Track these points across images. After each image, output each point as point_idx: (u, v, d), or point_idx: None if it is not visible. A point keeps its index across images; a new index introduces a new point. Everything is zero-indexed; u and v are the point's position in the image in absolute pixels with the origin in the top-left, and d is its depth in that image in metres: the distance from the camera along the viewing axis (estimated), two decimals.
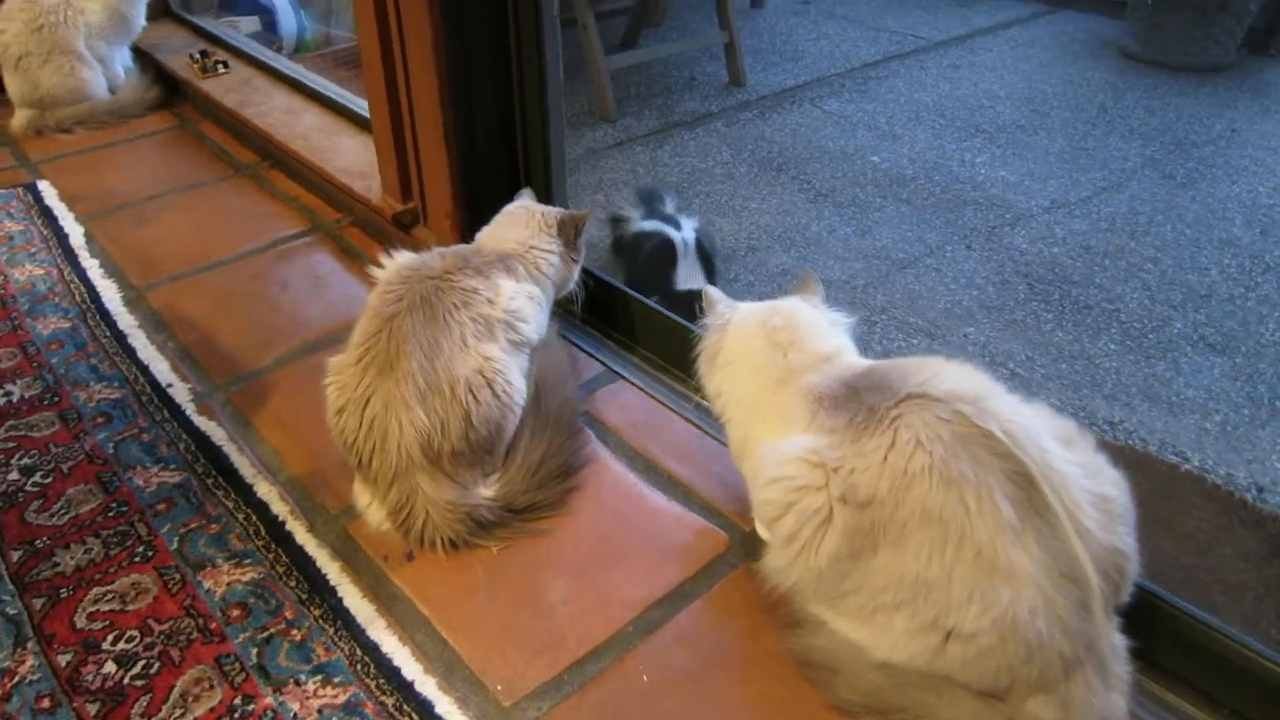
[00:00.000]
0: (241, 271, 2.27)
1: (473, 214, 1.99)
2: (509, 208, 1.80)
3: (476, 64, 1.95)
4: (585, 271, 1.88)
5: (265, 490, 1.59)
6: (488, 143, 2.05)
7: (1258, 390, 2.37)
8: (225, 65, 3.12)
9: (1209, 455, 2.14)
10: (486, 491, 1.50)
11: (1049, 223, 3.14)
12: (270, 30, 3.68)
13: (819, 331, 1.41)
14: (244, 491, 1.59)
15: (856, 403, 1.26)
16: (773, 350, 1.38)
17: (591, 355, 1.95)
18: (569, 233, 1.76)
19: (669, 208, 2.79)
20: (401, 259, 1.60)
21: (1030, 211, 3.21)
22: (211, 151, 2.91)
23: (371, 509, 1.49)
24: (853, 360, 1.39)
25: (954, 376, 1.25)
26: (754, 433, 1.37)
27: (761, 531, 1.47)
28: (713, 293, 1.51)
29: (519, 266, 1.65)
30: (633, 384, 1.86)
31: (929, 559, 1.15)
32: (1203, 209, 3.20)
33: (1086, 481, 1.19)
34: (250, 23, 3.66)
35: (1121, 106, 4.01)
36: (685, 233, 2.59)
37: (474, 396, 1.43)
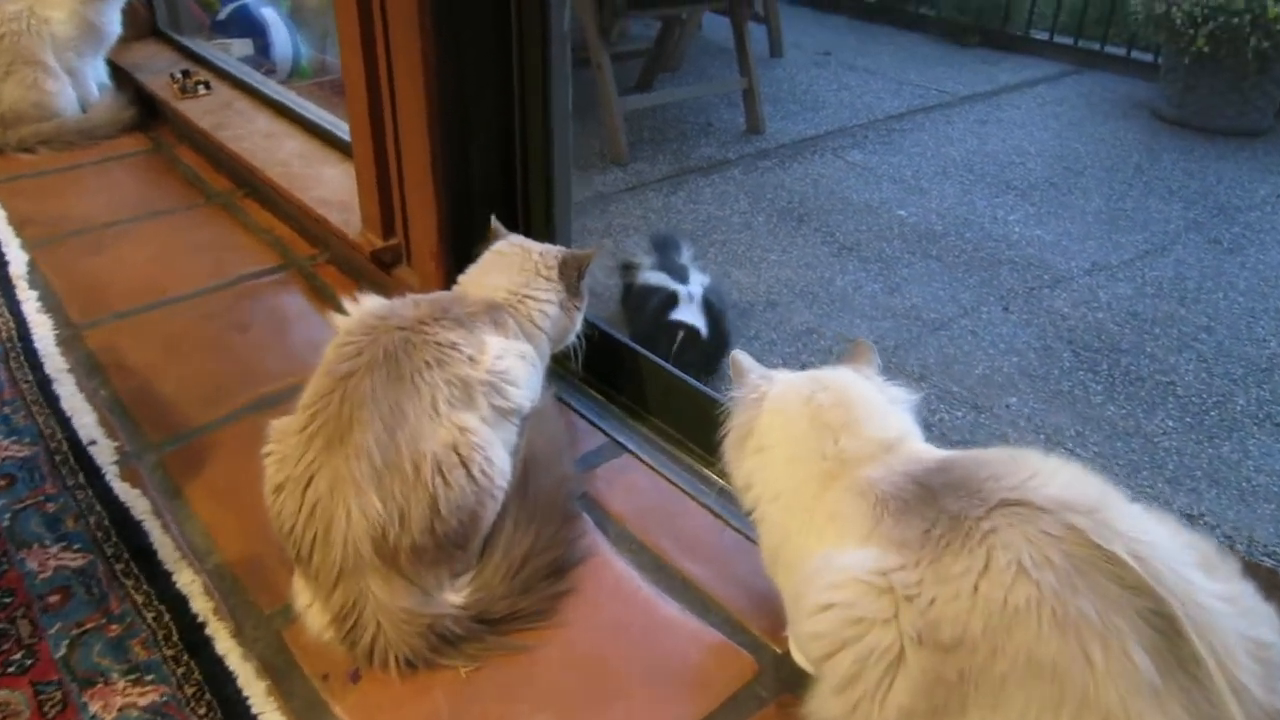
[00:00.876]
0: (198, 310, 1.99)
1: (462, 254, 1.71)
2: (499, 246, 1.53)
3: (473, 87, 1.71)
4: (588, 323, 1.62)
5: (187, 580, 1.30)
6: (483, 175, 1.79)
7: None
8: (207, 86, 2.88)
9: None
10: (455, 598, 1.20)
11: (1091, 286, 2.94)
12: (263, 54, 3.46)
13: (878, 411, 1.13)
14: (160, 581, 1.29)
15: (933, 508, 0.98)
16: (820, 434, 1.10)
17: (593, 423, 1.67)
18: (571, 276, 1.49)
19: (684, 257, 2.53)
20: (368, 305, 1.33)
21: (1070, 273, 3.01)
22: (184, 177, 2.65)
23: (312, 611, 1.19)
24: (921, 449, 1.11)
25: (1059, 477, 0.97)
26: (795, 539, 1.09)
27: (801, 661, 1.18)
28: (743, 360, 1.23)
29: (509, 319, 1.38)
30: (641, 460, 1.57)
31: None
32: (1254, 277, 3.01)
33: (1239, 622, 0.91)
34: (243, 45, 3.43)
35: (1158, 168, 3.86)
36: (692, 287, 2.33)
37: (443, 478, 1.14)
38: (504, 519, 1.26)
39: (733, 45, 3.98)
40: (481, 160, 1.78)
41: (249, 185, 2.51)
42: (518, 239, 1.54)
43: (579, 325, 1.55)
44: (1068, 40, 5.18)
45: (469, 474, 1.17)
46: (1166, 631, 0.86)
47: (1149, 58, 4.77)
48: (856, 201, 3.44)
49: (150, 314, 1.98)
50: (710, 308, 2.31)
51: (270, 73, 3.36)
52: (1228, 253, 3.15)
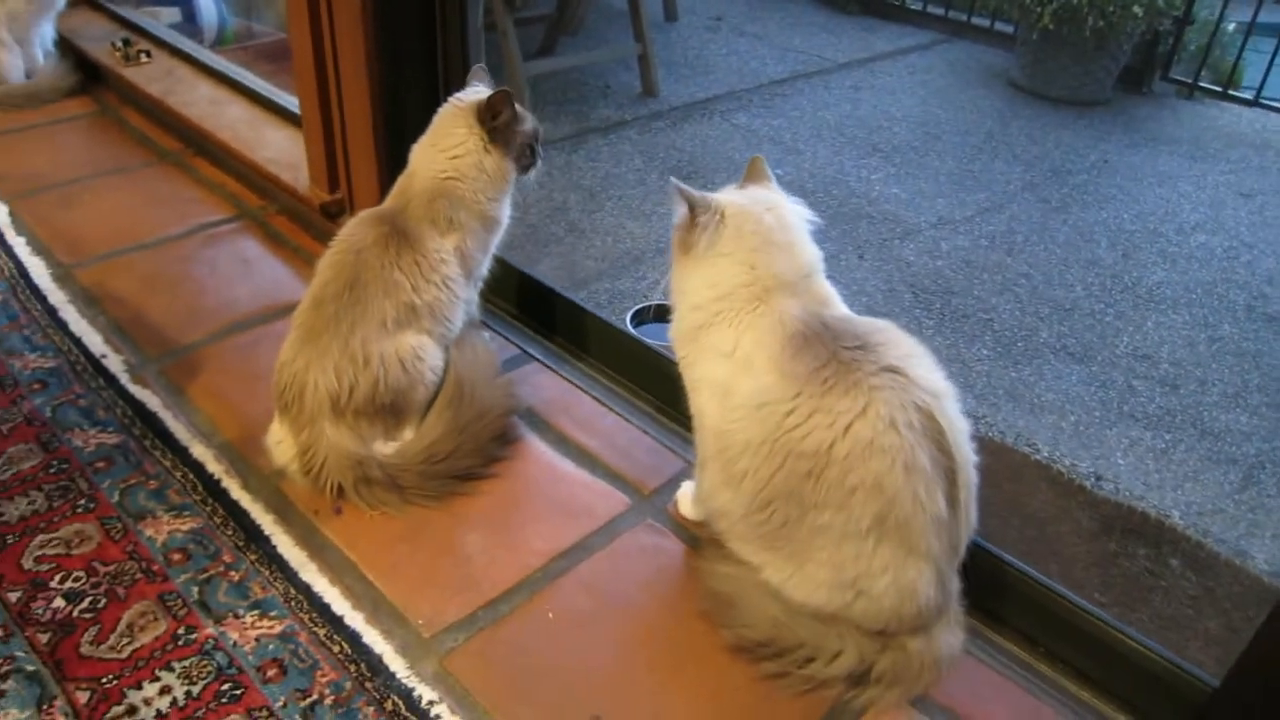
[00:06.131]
0: (169, 254, 2.34)
1: None
2: (443, 110, 1.77)
3: (408, 70, 2.09)
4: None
5: (200, 452, 1.70)
6: (415, 136, 2.18)
7: (1109, 395, 2.59)
8: (148, 54, 3.16)
9: (1061, 450, 2.32)
10: (383, 449, 1.63)
11: (935, 237, 3.34)
12: (190, 21, 3.71)
13: (806, 239, 1.33)
14: (180, 453, 1.69)
15: (829, 349, 1.24)
16: (771, 255, 1.30)
17: (507, 339, 2.10)
18: (489, 125, 1.70)
19: None
20: (345, 229, 1.70)
21: (919, 227, 3.41)
22: (134, 138, 2.95)
23: (281, 447, 1.62)
24: (827, 291, 1.36)
25: (923, 363, 1.28)
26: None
27: (689, 510, 1.61)
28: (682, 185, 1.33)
29: (448, 203, 1.69)
30: (546, 366, 2.02)
31: (868, 531, 1.22)
32: (1072, 232, 3.44)
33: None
34: (170, 13, 3.68)
35: (1007, 134, 4.28)
36: None
37: (385, 369, 1.58)
38: (439, 419, 1.67)
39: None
40: (415, 125, 2.17)
41: (197, 145, 2.83)
42: (463, 96, 1.75)
43: (540, 165, 1.76)
44: (940, 10, 5.56)
45: (403, 369, 1.61)
46: (952, 483, 1.24)
47: (1010, 29, 5.11)
48: (739, 161, 3.74)
49: (128, 256, 2.32)
50: None
51: (199, 40, 3.62)
52: (1054, 211, 3.58)
